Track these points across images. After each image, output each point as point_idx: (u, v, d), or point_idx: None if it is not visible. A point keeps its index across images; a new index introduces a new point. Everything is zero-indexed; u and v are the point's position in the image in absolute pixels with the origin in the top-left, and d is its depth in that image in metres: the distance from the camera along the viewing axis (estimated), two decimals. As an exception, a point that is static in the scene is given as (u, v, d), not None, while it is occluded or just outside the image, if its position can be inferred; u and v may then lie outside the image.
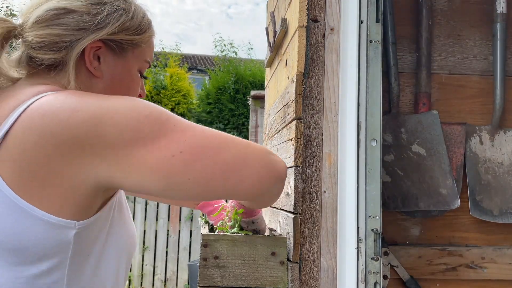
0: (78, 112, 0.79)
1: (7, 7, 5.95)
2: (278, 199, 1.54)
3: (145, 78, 1.08)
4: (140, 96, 1.08)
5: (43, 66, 0.91)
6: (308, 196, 1.29)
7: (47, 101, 0.81)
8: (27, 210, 0.78)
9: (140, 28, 0.98)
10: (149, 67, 1.07)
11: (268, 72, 2.15)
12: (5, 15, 5.83)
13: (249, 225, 1.32)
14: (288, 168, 1.39)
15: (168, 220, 5.89)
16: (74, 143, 0.78)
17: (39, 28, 0.90)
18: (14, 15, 5.80)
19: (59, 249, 0.82)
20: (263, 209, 1.93)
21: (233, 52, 8.98)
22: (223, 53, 9.01)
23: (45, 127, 0.78)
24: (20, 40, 0.93)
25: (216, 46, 9.41)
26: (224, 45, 9.21)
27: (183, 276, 5.86)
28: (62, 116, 0.78)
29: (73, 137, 0.78)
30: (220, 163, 0.85)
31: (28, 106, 0.80)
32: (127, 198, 5.79)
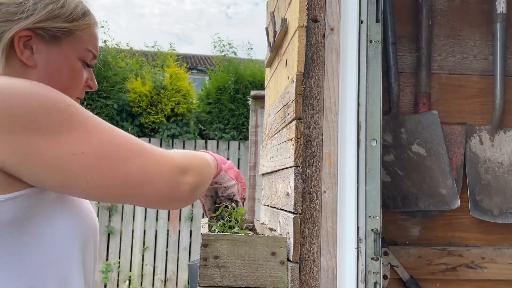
0: None
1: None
2: (278, 199, 1.54)
3: (90, 67, 1.05)
4: (90, 88, 1.08)
5: None
6: (308, 196, 1.29)
7: None
8: None
9: (72, 16, 0.97)
10: (95, 57, 1.05)
11: (268, 72, 2.15)
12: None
13: (218, 192, 1.33)
14: (288, 168, 1.39)
15: (168, 220, 5.89)
16: None
17: None
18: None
19: None
20: (263, 209, 1.93)
21: (232, 52, 8.98)
22: (223, 53, 9.01)
23: None
24: None
25: (215, 47, 9.41)
26: (223, 45, 9.21)
27: (183, 276, 5.87)
28: None
29: None
30: (121, 174, 0.83)
31: None
32: (127, 198, 5.78)
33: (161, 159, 0.90)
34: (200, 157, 1.09)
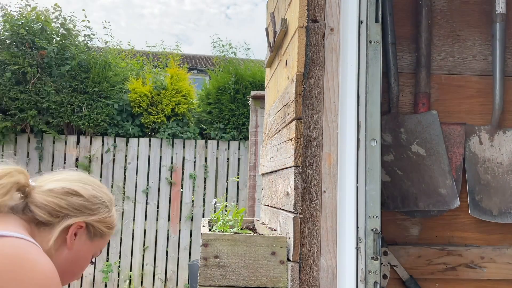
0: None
1: (1, 7, 5.94)
2: (278, 199, 1.55)
3: (93, 263, 1.28)
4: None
5: (35, 222, 1.13)
6: (308, 196, 1.30)
7: (5, 241, 1.00)
8: None
9: (111, 225, 1.22)
10: (98, 255, 1.29)
11: (268, 72, 2.15)
12: (1, 17, 5.81)
13: None
14: (288, 168, 1.40)
15: (169, 220, 5.89)
16: None
17: (49, 196, 1.14)
18: (12, 16, 5.77)
19: None
20: (263, 209, 1.94)
21: (232, 53, 8.97)
22: (223, 54, 9.00)
23: None
24: (24, 195, 1.14)
25: (214, 47, 9.40)
26: (223, 45, 9.20)
27: (184, 275, 5.86)
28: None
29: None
30: None
31: None
32: (127, 197, 5.79)
33: None
34: None
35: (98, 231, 1.20)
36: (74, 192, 1.17)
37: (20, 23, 5.68)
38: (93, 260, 1.26)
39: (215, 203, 1.53)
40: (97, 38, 7.16)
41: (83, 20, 6.30)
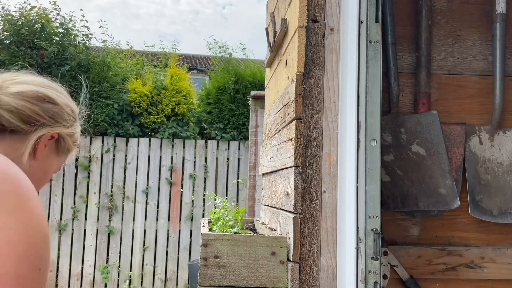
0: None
1: (2, 7, 5.94)
2: (278, 199, 1.55)
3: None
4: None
5: (8, 131, 1.00)
6: (308, 196, 1.30)
7: None
8: None
9: (77, 141, 1.15)
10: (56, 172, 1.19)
11: (268, 72, 2.15)
12: (1, 16, 5.81)
13: None
14: (288, 168, 1.39)
15: (169, 220, 5.89)
16: None
17: (20, 99, 1.01)
18: (12, 16, 5.77)
19: None
20: (263, 209, 1.94)
21: (228, 53, 8.97)
22: (220, 55, 9.02)
23: None
24: None
25: (210, 49, 9.40)
26: (219, 47, 9.21)
27: (183, 275, 5.87)
28: None
29: None
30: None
31: None
32: (127, 197, 5.79)
33: None
34: None
35: (66, 146, 1.11)
36: (48, 99, 1.05)
37: (20, 23, 5.68)
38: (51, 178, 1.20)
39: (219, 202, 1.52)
40: (95, 38, 7.16)
41: (81, 20, 6.30)
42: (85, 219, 5.73)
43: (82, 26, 6.30)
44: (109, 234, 5.85)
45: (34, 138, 1.01)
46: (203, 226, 1.53)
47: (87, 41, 6.28)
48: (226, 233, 1.26)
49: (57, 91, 1.09)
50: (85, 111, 1.22)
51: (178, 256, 5.99)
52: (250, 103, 5.09)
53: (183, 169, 6.06)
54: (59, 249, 5.64)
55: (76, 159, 5.70)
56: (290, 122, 1.39)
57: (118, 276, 5.89)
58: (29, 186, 0.86)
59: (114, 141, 5.90)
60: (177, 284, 5.95)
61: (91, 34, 6.38)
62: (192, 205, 6.00)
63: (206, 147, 6.15)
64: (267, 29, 1.96)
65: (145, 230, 5.97)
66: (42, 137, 1.03)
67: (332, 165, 1.31)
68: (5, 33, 5.71)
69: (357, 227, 1.26)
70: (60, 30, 6.01)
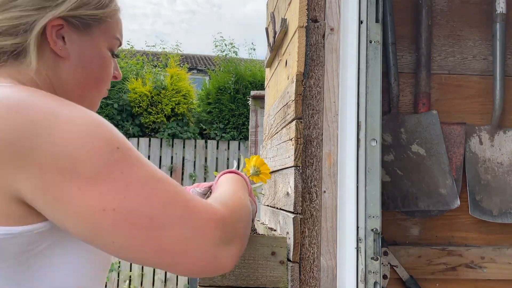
0: (16, 114, 0.70)
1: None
2: (278, 199, 1.55)
3: (117, 57, 1.01)
4: (116, 78, 1.02)
5: (7, 55, 0.85)
6: (308, 196, 1.30)
7: None
8: None
9: (101, 2, 0.92)
10: (120, 45, 1.00)
11: (268, 72, 2.15)
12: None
13: None
14: (288, 168, 1.39)
15: (168, 220, 5.89)
16: (2, 146, 0.68)
17: None
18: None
19: None
20: (263, 209, 1.94)
21: (233, 52, 9.00)
22: (224, 53, 9.01)
23: None
24: None
25: (216, 46, 9.41)
26: (225, 45, 9.23)
27: (183, 275, 5.87)
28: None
29: (2, 139, 0.68)
30: (153, 241, 0.72)
31: None
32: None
33: (204, 225, 0.76)
34: (247, 208, 0.94)
35: (88, 18, 0.90)
36: None
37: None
38: (115, 52, 0.98)
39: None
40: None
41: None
42: (85, 219, 5.73)
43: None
44: (109, 234, 5.86)
45: (33, 42, 0.84)
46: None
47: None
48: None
49: None
50: None
51: (178, 256, 5.99)
52: (250, 103, 5.09)
53: (183, 169, 6.07)
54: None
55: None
56: (290, 122, 1.39)
57: (118, 276, 5.89)
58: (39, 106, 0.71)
59: (114, 141, 5.91)
60: (177, 284, 5.95)
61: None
62: (192, 205, 6.01)
63: (206, 147, 6.15)
64: (267, 29, 1.96)
65: (145, 230, 5.97)
66: (46, 35, 0.85)
67: (332, 165, 1.30)
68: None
69: (357, 227, 1.26)
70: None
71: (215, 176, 1.17)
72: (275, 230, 1.55)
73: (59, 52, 0.87)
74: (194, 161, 6.00)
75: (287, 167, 1.40)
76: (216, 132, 6.20)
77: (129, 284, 5.81)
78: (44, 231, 0.76)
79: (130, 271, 5.83)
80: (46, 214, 0.72)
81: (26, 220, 0.73)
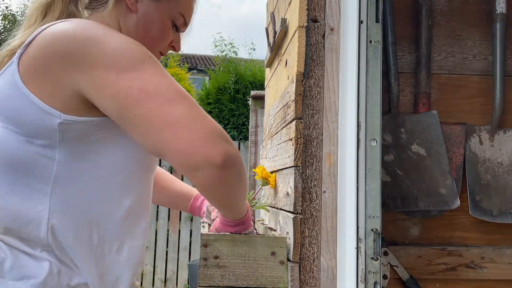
0: (77, 32, 0.96)
1: (6, 7, 5.96)
2: (278, 199, 1.54)
3: (179, 31, 1.19)
4: (174, 49, 1.22)
5: (98, 4, 1.12)
6: (308, 196, 1.30)
7: (62, 23, 1.00)
8: (27, 95, 0.96)
9: None
10: (185, 25, 1.19)
11: (268, 72, 2.15)
12: (3, 16, 5.82)
13: None
14: (288, 168, 1.39)
15: (168, 220, 5.89)
16: (67, 55, 0.95)
17: None
18: (13, 16, 5.79)
19: (47, 132, 0.97)
20: (263, 210, 1.93)
21: (233, 52, 9.00)
22: (224, 53, 9.02)
23: (53, 39, 0.97)
24: None
25: (216, 46, 9.42)
26: (225, 45, 9.24)
27: (183, 276, 5.86)
28: (64, 34, 0.97)
29: (67, 50, 0.95)
30: (165, 112, 0.92)
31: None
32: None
33: (208, 119, 0.97)
34: (245, 181, 1.12)
35: None
36: None
37: (22, 22, 5.68)
38: (178, 27, 1.18)
39: None
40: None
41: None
42: (85, 219, 5.73)
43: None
44: (109, 234, 5.85)
45: None
46: (203, 226, 1.53)
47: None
48: (225, 233, 1.26)
49: None
50: None
51: (178, 256, 5.99)
52: (250, 103, 5.09)
53: (183, 169, 6.06)
54: (59, 249, 5.64)
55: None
56: (290, 122, 1.39)
57: (118, 276, 5.88)
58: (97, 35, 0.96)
59: (114, 141, 5.90)
60: (177, 284, 5.95)
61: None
62: (192, 205, 5.99)
63: (206, 147, 6.15)
64: (267, 29, 1.96)
65: (145, 230, 5.96)
66: None
67: (332, 165, 1.30)
68: (6, 33, 5.71)
69: (357, 227, 1.26)
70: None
71: None
72: (275, 230, 1.55)
73: (130, 6, 1.11)
74: (194, 161, 6.01)
75: (287, 167, 1.40)
76: (216, 132, 6.21)
77: (129, 284, 5.81)
78: (99, 123, 0.99)
79: (130, 271, 5.83)
80: (96, 103, 0.96)
81: (85, 112, 0.98)
